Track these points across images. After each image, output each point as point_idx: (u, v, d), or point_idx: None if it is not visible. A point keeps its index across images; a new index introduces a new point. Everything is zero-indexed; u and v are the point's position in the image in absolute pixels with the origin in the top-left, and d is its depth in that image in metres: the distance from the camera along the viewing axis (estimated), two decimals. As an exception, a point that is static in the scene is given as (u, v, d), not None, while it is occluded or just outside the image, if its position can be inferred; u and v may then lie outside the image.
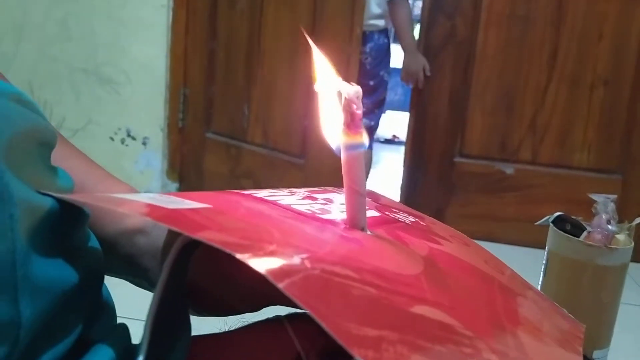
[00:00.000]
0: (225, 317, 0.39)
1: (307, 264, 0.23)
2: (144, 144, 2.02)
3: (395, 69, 2.20)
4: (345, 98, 0.30)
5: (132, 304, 0.47)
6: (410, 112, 1.84)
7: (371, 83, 1.94)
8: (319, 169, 1.72)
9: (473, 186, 1.78)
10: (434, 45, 1.75)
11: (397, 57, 2.13)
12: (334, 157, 0.31)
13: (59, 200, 0.25)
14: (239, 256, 0.21)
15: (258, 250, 0.23)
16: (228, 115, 1.93)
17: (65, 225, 0.26)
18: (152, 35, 1.93)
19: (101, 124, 2.00)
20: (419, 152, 1.81)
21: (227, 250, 0.21)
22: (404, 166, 1.86)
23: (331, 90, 0.31)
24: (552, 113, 1.70)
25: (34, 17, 1.96)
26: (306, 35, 0.31)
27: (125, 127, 2.01)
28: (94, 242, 0.31)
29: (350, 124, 0.30)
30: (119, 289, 0.42)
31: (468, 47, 1.73)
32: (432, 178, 1.81)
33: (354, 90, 0.30)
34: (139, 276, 0.40)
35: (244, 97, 1.87)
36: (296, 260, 0.23)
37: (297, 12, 1.71)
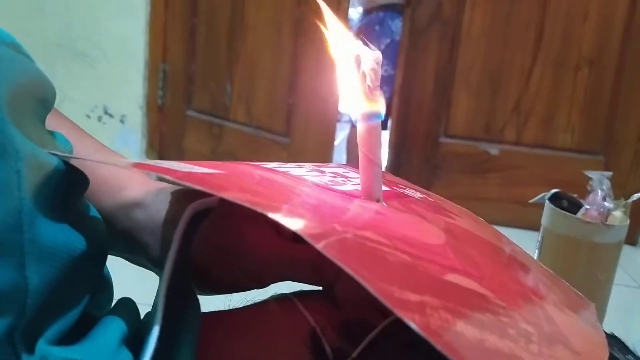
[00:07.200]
0: (230, 295, 0.37)
1: (338, 227, 0.22)
2: (122, 121, 1.96)
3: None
4: (366, 65, 0.28)
5: (122, 286, 0.45)
6: (394, 91, 1.82)
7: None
8: (303, 148, 1.69)
9: (457, 166, 1.78)
10: (419, 25, 1.73)
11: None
12: (319, 136, 0.30)
13: (63, 161, 0.23)
14: (271, 215, 0.20)
15: (288, 211, 0.21)
16: (209, 93, 1.89)
17: (68, 190, 0.24)
18: (130, 8, 1.87)
19: (77, 101, 1.94)
20: (404, 132, 1.80)
21: (258, 209, 0.20)
22: (388, 146, 1.85)
23: (348, 55, 0.29)
24: (536, 94, 1.70)
25: (5, -12, 1.88)
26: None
27: (102, 104, 1.96)
28: (94, 213, 0.29)
29: (369, 91, 0.29)
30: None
31: (454, 26, 1.71)
32: (416, 158, 1.80)
33: (373, 56, 0.28)
34: (136, 252, 0.38)
35: (226, 74, 1.82)
36: (327, 223, 0.22)
37: (281, -13, 1.66)
